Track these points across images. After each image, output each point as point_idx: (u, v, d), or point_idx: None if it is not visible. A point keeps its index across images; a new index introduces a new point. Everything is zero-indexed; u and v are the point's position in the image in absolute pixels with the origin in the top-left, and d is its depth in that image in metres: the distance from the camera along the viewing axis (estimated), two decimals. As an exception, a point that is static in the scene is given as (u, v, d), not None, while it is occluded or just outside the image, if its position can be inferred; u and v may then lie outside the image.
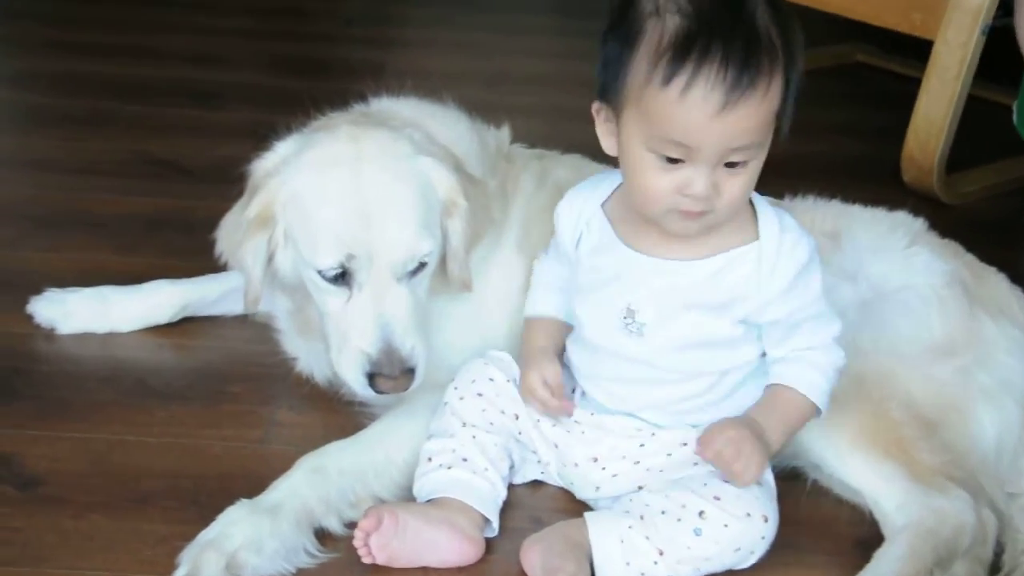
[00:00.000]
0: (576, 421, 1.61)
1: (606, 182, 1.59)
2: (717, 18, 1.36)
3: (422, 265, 1.64)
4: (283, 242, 1.68)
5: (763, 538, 1.46)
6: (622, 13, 1.43)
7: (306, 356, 1.84)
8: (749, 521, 1.45)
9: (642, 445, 1.57)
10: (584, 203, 1.59)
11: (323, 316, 1.67)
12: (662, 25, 1.38)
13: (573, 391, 1.64)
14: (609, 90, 1.45)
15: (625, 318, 1.52)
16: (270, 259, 1.70)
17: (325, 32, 3.93)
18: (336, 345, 1.64)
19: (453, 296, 1.76)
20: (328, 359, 1.68)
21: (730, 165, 1.40)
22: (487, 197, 1.76)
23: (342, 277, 1.62)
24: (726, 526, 1.44)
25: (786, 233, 1.49)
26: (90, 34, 3.63)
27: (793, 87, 1.42)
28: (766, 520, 1.46)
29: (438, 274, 1.72)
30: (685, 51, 1.35)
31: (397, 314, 1.61)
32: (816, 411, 1.53)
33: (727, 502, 1.45)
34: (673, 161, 1.40)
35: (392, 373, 1.60)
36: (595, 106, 1.49)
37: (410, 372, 1.61)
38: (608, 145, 1.50)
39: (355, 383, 1.63)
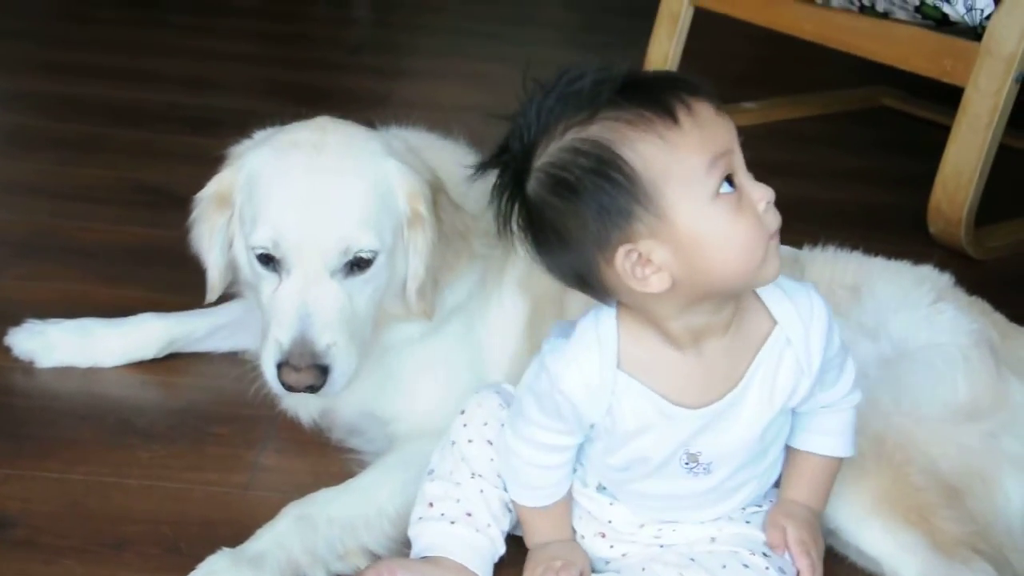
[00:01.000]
0: (590, 512, 1.52)
1: (604, 335, 1.38)
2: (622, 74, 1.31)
3: (361, 264, 1.57)
4: (238, 225, 1.65)
5: None
6: (548, 175, 1.30)
7: (290, 396, 1.76)
8: None
9: (656, 537, 1.50)
10: (600, 373, 1.37)
11: (259, 303, 1.63)
12: (610, 121, 1.27)
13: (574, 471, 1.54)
14: (620, 225, 1.28)
15: (687, 464, 1.42)
16: (231, 245, 1.67)
17: (330, 60, 3.91)
18: (263, 332, 1.59)
19: (451, 339, 1.71)
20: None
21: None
22: (467, 228, 1.69)
23: (273, 262, 1.57)
24: None
25: (796, 296, 1.40)
26: (84, 56, 3.62)
27: None
28: None
29: (399, 299, 1.66)
30: (659, 98, 1.28)
31: (320, 307, 1.55)
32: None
33: None
34: (731, 188, 1.28)
35: (298, 364, 1.53)
36: (618, 259, 1.29)
37: (320, 370, 1.54)
38: (655, 283, 1.29)
39: (268, 375, 1.57)
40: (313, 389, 1.55)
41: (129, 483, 1.66)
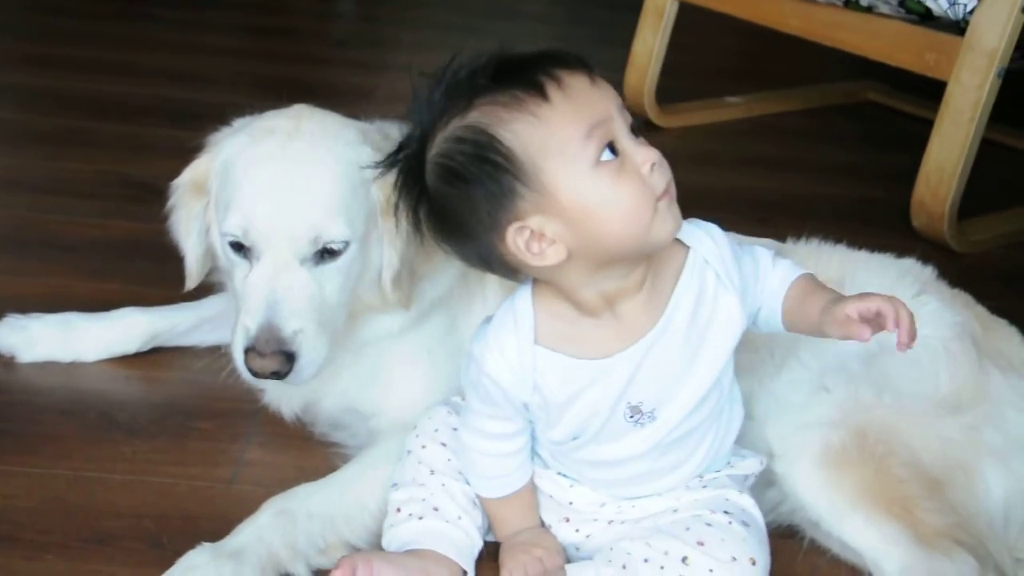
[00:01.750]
0: (551, 496, 1.54)
1: (520, 315, 1.41)
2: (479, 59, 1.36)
3: (332, 252, 1.57)
4: (214, 213, 1.64)
5: None
6: (442, 164, 1.34)
7: (274, 389, 1.77)
8: (735, 565, 1.39)
9: (619, 510, 1.52)
10: (519, 352, 1.40)
11: (233, 291, 1.63)
12: (486, 106, 1.31)
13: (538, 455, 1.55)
14: (507, 205, 1.31)
15: (632, 416, 1.43)
16: (208, 233, 1.67)
17: (315, 54, 3.90)
18: (234, 319, 1.59)
19: (433, 334, 1.71)
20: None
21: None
22: None
23: (244, 249, 1.57)
24: (711, 571, 1.38)
25: (700, 224, 1.44)
26: (67, 49, 3.60)
27: None
28: (753, 563, 1.40)
29: (375, 290, 1.65)
30: (530, 77, 1.31)
31: (288, 295, 1.54)
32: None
33: (711, 546, 1.39)
34: (612, 154, 1.30)
35: (263, 350, 1.53)
36: (509, 236, 1.32)
37: (286, 356, 1.53)
38: (551, 255, 1.33)
39: (236, 360, 1.57)
40: (278, 375, 1.54)
41: (112, 478, 1.65)
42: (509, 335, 1.41)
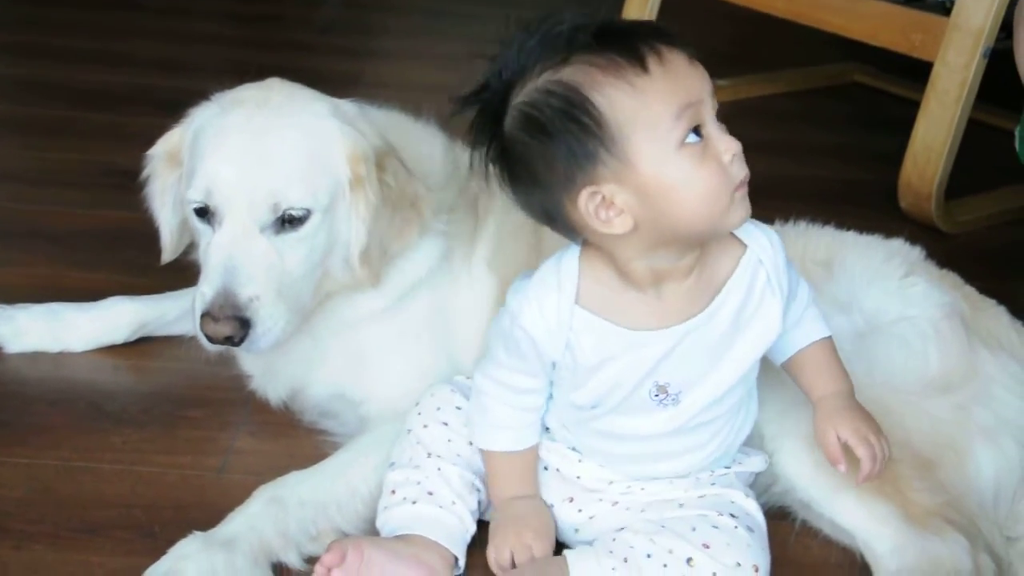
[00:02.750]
0: (545, 468, 1.54)
1: (565, 274, 1.41)
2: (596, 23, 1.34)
3: (293, 221, 1.57)
4: (185, 182, 1.64)
5: None
6: (523, 114, 1.33)
7: (261, 375, 1.77)
8: (739, 571, 1.38)
9: (624, 494, 1.51)
10: (558, 309, 1.40)
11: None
12: (581, 66, 1.30)
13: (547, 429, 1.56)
14: (585, 168, 1.30)
15: (656, 395, 1.43)
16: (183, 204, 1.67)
17: (301, 40, 3.87)
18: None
19: (417, 317, 1.70)
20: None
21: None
22: (418, 196, 1.67)
23: (208, 215, 1.58)
24: (714, 574, 1.38)
25: (763, 227, 1.45)
26: (53, 38, 3.57)
27: None
28: (756, 570, 1.40)
29: (345, 268, 1.65)
30: (632, 44, 1.30)
31: (246, 261, 1.54)
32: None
33: (717, 550, 1.39)
34: (698, 138, 1.30)
35: (217, 315, 1.53)
36: (582, 200, 1.31)
37: (240, 322, 1.53)
38: (619, 225, 1.32)
39: (195, 326, 1.57)
40: (232, 341, 1.54)
41: (101, 468, 1.65)
42: (551, 292, 1.40)
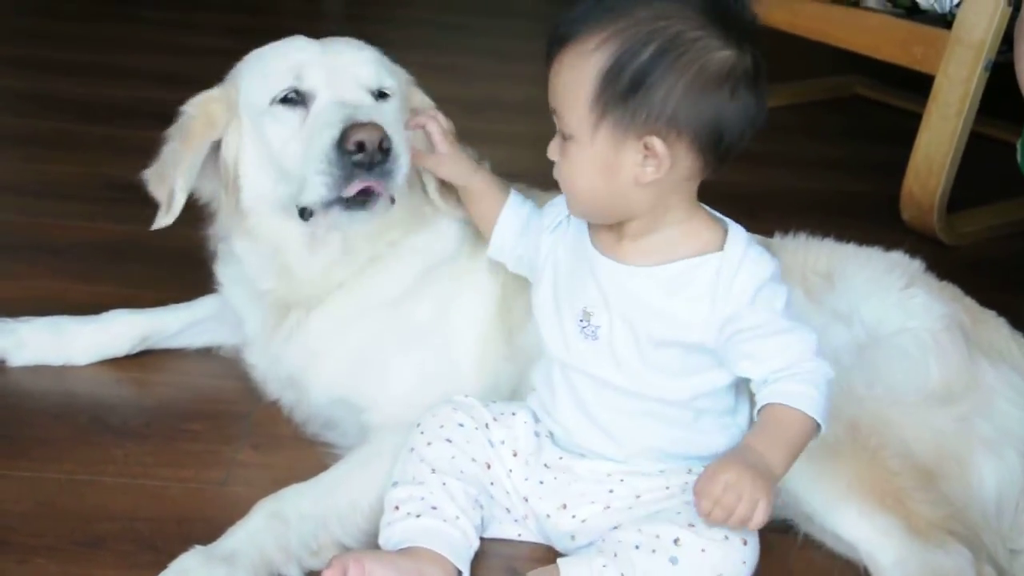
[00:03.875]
0: (546, 465, 1.56)
1: None
2: None
3: (383, 96, 1.65)
4: (245, 134, 1.67)
5: (744, 562, 1.40)
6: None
7: (265, 365, 1.78)
8: (727, 544, 1.39)
9: (611, 491, 1.53)
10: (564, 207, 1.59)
11: (277, 157, 1.62)
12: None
13: (537, 434, 1.59)
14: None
15: (581, 320, 1.50)
16: (227, 187, 1.69)
17: (302, 54, 3.87)
18: (296, 170, 1.58)
19: (421, 320, 1.71)
20: (293, 195, 1.60)
21: (562, 139, 1.45)
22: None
23: (295, 101, 1.61)
24: (703, 551, 1.39)
25: (751, 249, 1.46)
26: (56, 51, 3.58)
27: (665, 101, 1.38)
28: (745, 543, 1.41)
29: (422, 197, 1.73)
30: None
31: (364, 106, 1.59)
32: (816, 428, 1.42)
33: (702, 527, 1.40)
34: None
35: (363, 121, 1.53)
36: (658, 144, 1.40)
37: (382, 132, 1.52)
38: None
39: (321, 185, 1.54)
40: (380, 149, 1.53)
41: (104, 481, 1.65)
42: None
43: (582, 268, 1.52)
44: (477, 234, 1.76)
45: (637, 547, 1.40)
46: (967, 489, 1.55)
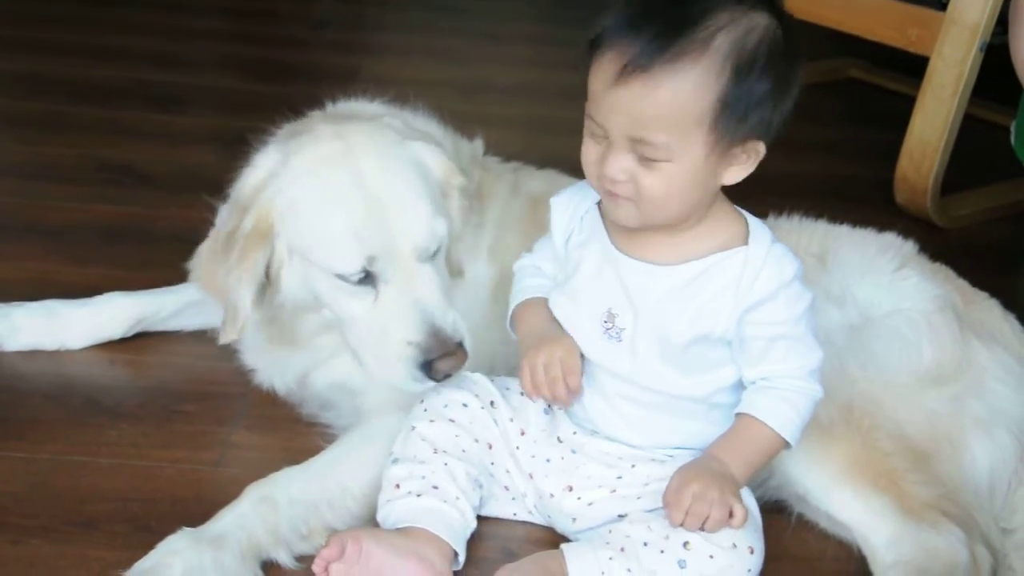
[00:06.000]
0: (559, 439, 1.56)
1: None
2: (659, 6, 1.37)
3: (440, 246, 1.63)
4: (287, 257, 1.61)
5: (749, 571, 1.41)
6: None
7: (267, 368, 1.77)
8: (735, 552, 1.40)
9: (619, 477, 1.52)
10: (581, 200, 1.55)
11: (346, 324, 1.61)
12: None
13: (547, 411, 1.60)
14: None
15: (605, 322, 1.49)
16: (268, 278, 1.63)
17: (297, 36, 3.87)
18: (371, 351, 1.58)
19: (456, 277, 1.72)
20: (363, 371, 1.62)
21: (644, 160, 1.37)
22: (479, 187, 1.75)
23: (367, 278, 1.57)
24: (712, 557, 1.39)
25: (775, 245, 1.45)
26: (48, 33, 3.56)
27: (755, 112, 1.38)
28: (752, 552, 1.41)
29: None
30: (615, 27, 1.36)
31: (432, 295, 1.58)
32: (786, 445, 1.47)
33: (712, 533, 1.40)
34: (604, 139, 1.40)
35: (448, 350, 1.55)
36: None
37: (461, 346, 1.56)
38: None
39: (406, 378, 1.56)
40: (461, 365, 1.58)
41: (98, 462, 1.64)
42: (581, 191, 1.55)
43: (606, 271, 1.50)
44: (479, 223, 1.76)
45: (646, 544, 1.40)
46: (960, 469, 1.56)
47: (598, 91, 1.37)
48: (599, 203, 1.52)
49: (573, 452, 1.55)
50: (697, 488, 1.39)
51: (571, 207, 1.56)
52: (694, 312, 1.44)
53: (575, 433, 1.56)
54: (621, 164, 1.38)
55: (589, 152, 1.42)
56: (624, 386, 1.50)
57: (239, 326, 1.63)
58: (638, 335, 1.47)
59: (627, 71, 1.33)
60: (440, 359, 1.54)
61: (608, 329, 1.48)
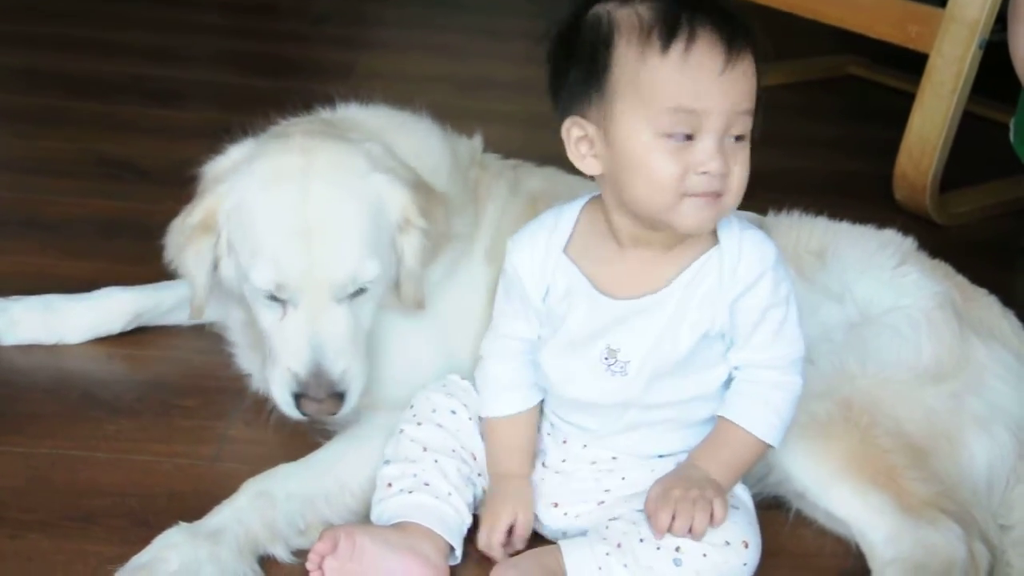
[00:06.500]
0: (544, 464, 1.55)
1: (562, 220, 1.50)
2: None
3: (364, 288, 1.57)
4: (226, 251, 1.62)
5: (745, 564, 1.41)
6: (575, 22, 1.42)
7: (260, 372, 1.75)
8: (728, 549, 1.40)
9: (608, 490, 1.51)
10: (546, 253, 1.49)
11: (258, 328, 1.61)
12: (634, 10, 1.38)
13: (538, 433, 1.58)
14: (582, 100, 1.40)
15: (607, 359, 1.46)
16: (215, 266, 1.64)
17: (295, 30, 3.87)
18: (269, 361, 1.58)
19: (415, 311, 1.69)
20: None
21: (737, 138, 1.37)
22: (447, 212, 1.68)
23: (275, 298, 1.55)
24: (705, 556, 1.38)
25: (746, 232, 1.45)
26: (46, 27, 3.56)
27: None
28: (746, 546, 1.41)
29: (391, 292, 1.65)
30: (675, 18, 1.35)
31: (331, 336, 1.54)
32: (768, 448, 1.48)
33: (699, 539, 1.39)
34: (684, 139, 1.35)
35: (318, 396, 1.53)
36: (566, 125, 1.43)
37: (338, 396, 1.54)
38: (588, 165, 1.43)
39: (282, 402, 1.56)
40: (332, 414, 1.56)
41: (96, 456, 1.64)
42: (544, 232, 1.51)
43: (597, 316, 1.46)
44: (471, 227, 1.74)
45: (642, 540, 1.40)
46: (958, 466, 1.56)
47: (702, 78, 1.33)
48: (565, 249, 1.49)
49: (557, 473, 1.54)
50: (678, 493, 1.39)
51: (536, 265, 1.50)
52: (691, 319, 1.44)
53: (564, 460, 1.54)
54: (721, 156, 1.35)
55: (670, 167, 1.35)
56: (632, 412, 1.49)
57: (196, 304, 1.66)
58: (645, 364, 1.45)
59: (732, 56, 1.34)
60: (307, 399, 1.54)
61: (611, 365, 1.46)
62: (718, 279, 1.43)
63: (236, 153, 1.65)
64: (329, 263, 1.53)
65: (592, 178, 1.48)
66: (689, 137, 1.34)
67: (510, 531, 1.49)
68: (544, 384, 1.55)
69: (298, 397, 1.54)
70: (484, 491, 1.56)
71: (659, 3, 1.37)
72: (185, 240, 1.62)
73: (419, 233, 1.61)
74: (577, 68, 1.40)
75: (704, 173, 1.35)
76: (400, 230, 1.61)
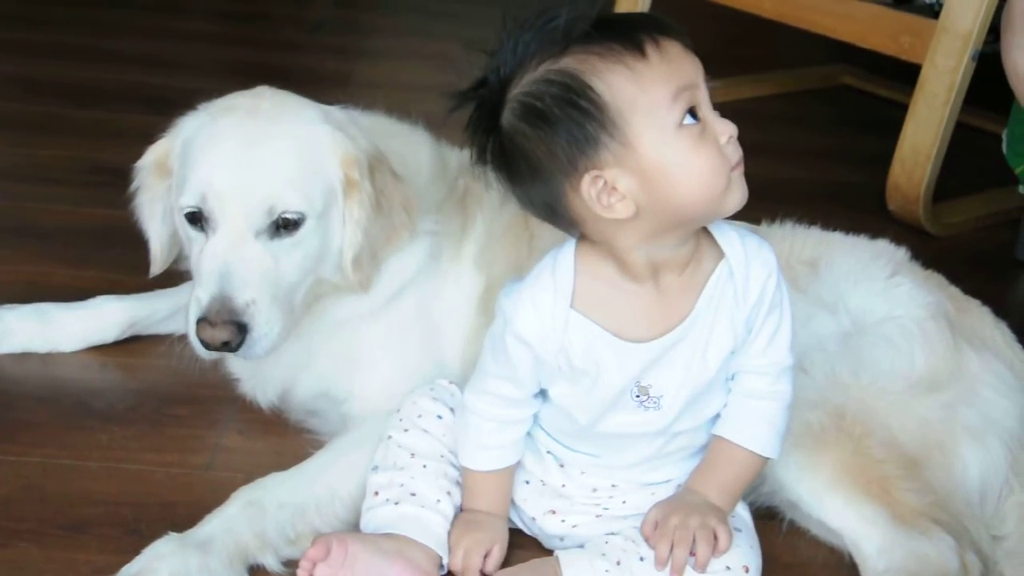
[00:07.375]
0: (542, 482, 1.54)
1: (560, 276, 1.40)
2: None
3: (288, 226, 1.56)
4: (174, 191, 1.63)
5: None
6: (509, 126, 1.36)
7: (249, 378, 1.77)
8: (729, 574, 1.40)
9: (607, 508, 1.51)
10: (553, 313, 1.40)
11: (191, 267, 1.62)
12: (586, 43, 1.32)
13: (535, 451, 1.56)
14: (585, 154, 1.31)
15: (638, 396, 1.44)
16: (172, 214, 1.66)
17: (292, 39, 3.87)
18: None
19: (404, 315, 1.70)
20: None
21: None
22: (409, 201, 1.67)
23: (201, 221, 1.56)
24: None
25: (746, 239, 1.44)
26: (43, 35, 3.56)
27: None
28: (747, 571, 1.41)
29: (336, 272, 1.64)
30: (631, 33, 1.32)
31: (241, 263, 1.53)
32: (767, 460, 1.48)
33: (704, 570, 1.39)
34: (695, 120, 1.32)
35: (214, 320, 1.51)
36: (584, 186, 1.32)
37: (237, 327, 1.52)
38: (619, 210, 1.33)
39: (190, 332, 1.56)
40: (229, 347, 1.53)
41: (88, 465, 1.64)
42: (546, 292, 1.40)
43: (626, 364, 1.41)
44: (457, 233, 1.74)
45: (642, 559, 1.40)
46: (951, 477, 1.56)
47: (676, 57, 1.32)
48: (572, 305, 1.40)
49: (559, 497, 1.53)
50: (676, 520, 1.39)
51: (544, 325, 1.40)
52: (716, 341, 1.42)
53: (564, 485, 1.53)
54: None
55: (704, 147, 1.32)
56: (659, 441, 1.48)
57: (152, 256, 1.71)
58: (679, 395, 1.43)
59: (678, 34, 1.34)
60: (204, 323, 1.52)
61: (643, 401, 1.44)
62: (733, 297, 1.41)
63: (203, 105, 1.68)
64: (247, 186, 1.54)
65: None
66: (694, 116, 1.32)
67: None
68: (563, 426, 1.51)
69: (198, 323, 1.53)
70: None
71: (605, 35, 1.32)
72: (139, 184, 1.67)
73: (364, 195, 1.60)
74: (563, 129, 1.31)
75: (730, 137, 1.33)
76: (345, 192, 1.61)
